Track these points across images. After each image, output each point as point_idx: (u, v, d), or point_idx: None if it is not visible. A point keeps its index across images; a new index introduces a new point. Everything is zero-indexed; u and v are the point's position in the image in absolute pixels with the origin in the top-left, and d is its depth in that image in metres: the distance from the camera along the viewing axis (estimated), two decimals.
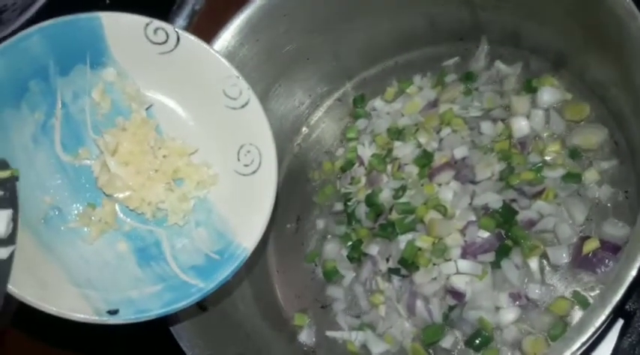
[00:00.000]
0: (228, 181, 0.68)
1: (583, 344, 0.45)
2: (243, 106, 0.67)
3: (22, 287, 0.58)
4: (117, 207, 0.66)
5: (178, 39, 0.65)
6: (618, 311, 0.47)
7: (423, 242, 0.70)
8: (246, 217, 0.66)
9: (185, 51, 0.66)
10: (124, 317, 0.61)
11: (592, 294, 0.64)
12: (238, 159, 0.67)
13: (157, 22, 0.65)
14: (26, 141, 0.63)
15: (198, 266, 0.65)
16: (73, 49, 0.64)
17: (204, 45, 0.67)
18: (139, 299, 0.62)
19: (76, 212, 0.65)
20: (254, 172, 0.67)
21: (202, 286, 0.63)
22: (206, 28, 0.82)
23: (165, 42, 0.65)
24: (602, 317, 0.45)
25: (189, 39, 0.66)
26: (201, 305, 0.71)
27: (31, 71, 0.62)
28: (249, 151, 0.67)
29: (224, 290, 0.76)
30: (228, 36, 0.78)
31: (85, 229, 0.65)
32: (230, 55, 0.77)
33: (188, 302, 0.63)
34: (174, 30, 0.65)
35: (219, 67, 0.67)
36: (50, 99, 0.64)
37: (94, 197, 0.66)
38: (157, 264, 0.65)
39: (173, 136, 0.68)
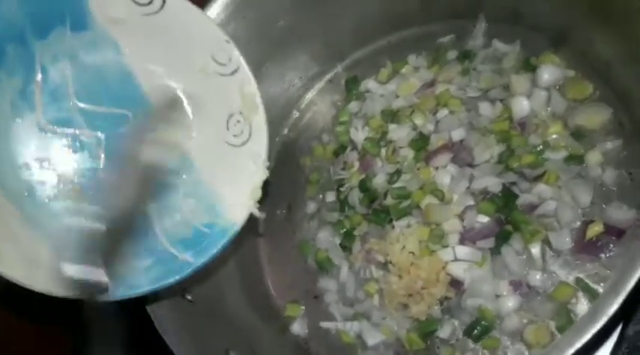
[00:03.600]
0: (218, 151, 0.65)
1: (594, 334, 0.42)
2: (232, 73, 0.64)
3: (10, 266, 0.56)
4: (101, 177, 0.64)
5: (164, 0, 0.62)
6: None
7: (422, 234, 0.68)
8: (236, 190, 0.64)
9: (171, 13, 0.63)
10: (114, 295, 0.59)
11: (596, 280, 0.62)
12: (227, 129, 0.65)
13: None
14: (4, 109, 0.60)
15: (187, 239, 0.63)
16: (51, 10, 0.60)
17: (191, 6, 0.63)
18: (128, 275, 0.60)
19: (62, 182, 0.62)
20: (244, 143, 0.64)
21: (191, 261, 0.62)
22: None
23: (150, 3, 0.62)
24: (615, 306, 0.42)
25: (179, 2, 0.63)
26: (185, 295, 0.69)
27: (7, 35, 0.59)
28: (238, 121, 0.64)
29: (211, 281, 0.73)
30: (213, 13, 0.74)
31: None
32: None
33: (177, 278, 0.61)
34: None
35: (207, 30, 0.64)
36: (28, 64, 0.61)
37: (81, 165, 0.63)
38: (146, 236, 0.63)
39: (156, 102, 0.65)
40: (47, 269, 0.57)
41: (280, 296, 0.80)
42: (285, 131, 0.89)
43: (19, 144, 0.61)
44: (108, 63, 0.64)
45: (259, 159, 0.64)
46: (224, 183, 0.64)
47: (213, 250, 0.62)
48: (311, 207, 0.82)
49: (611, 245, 0.61)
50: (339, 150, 0.82)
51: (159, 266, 0.61)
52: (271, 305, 0.80)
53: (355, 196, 0.77)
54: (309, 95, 0.89)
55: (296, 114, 0.89)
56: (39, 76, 0.62)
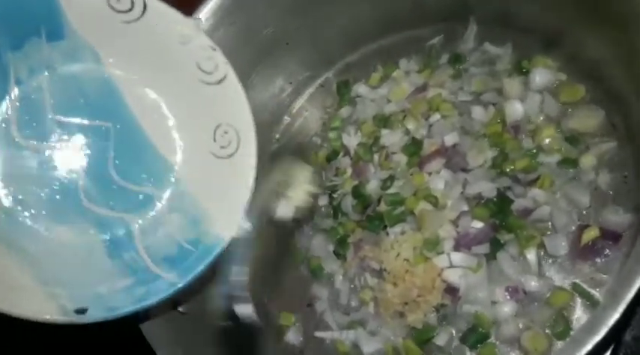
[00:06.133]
0: (204, 164, 0.63)
1: (594, 345, 0.42)
2: (219, 82, 0.62)
3: None
4: (81, 194, 0.61)
5: (145, 6, 0.60)
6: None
7: (416, 241, 0.67)
8: (223, 204, 0.61)
9: (153, 20, 0.60)
10: (93, 316, 0.57)
11: (592, 285, 0.61)
12: (214, 140, 0.62)
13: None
14: None
15: (171, 257, 0.61)
16: (25, 20, 0.58)
17: (175, 13, 0.61)
18: (108, 295, 0.58)
19: (39, 200, 0.60)
20: (231, 155, 0.62)
21: (175, 280, 0.59)
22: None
23: (130, 10, 0.60)
24: (616, 316, 0.41)
25: (158, 5, 0.60)
26: (177, 307, 0.67)
27: None
28: (226, 132, 0.62)
29: (204, 291, 0.72)
30: (201, 19, 0.73)
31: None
32: None
33: (160, 298, 0.59)
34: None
35: (192, 38, 0.61)
36: (2, 77, 0.58)
37: (59, 184, 0.61)
38: (128, 254, 0.61)
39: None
40: (31, 292, 0.55)
41: (274, 305, 0.79)
42: (277, 137, 0.88)
43: None
44: (88, 73, 0.62)
45: (248, 171, 0.61)
46: (210, 197, 0.62)
47: (198, 268, 0.59)
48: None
49: (607, 249, 0.61)
50: (332, 156, 0.82)
51: (140, 286, 0.59)
52: (265, 314, 0.79)
53: (348, 203, 0.76)
54: (300, 100, 0.88)
55: (287, 119, 0.88)
56: (13, 89, 0.59)
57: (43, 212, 0.60)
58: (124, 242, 0.61)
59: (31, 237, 0.59)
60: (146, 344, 0.64)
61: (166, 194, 0.63)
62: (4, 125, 0.59)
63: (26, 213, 0.60)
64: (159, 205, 0.63)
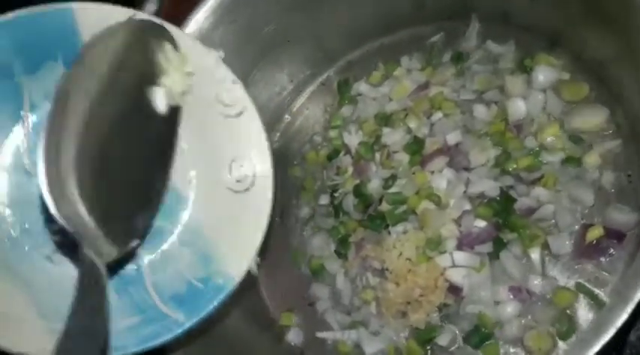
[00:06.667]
0: (218, 198, 0.60)
1: (603, 346, 0.41)
2: (238, 115, 0.59)
3: None
4: None
5: None
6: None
7: (419, 240, 0.66)
8: (236, 241, 0.58)
9: None
10: None
11: (596, 285, 0.61)
12: (230, 174, 0.60)
13: (140, 15, 0.56)
14: None
15: (180, 295, 0.58)
16: (42, 44, 0.56)
17: (196, 42, 0.59)
18: (113, 333, 0.55)
19: (45, 230, 0.57)
20: (247, 190, 0.59)
21: (183, 320, 0.56)
22: (177, 9, 0.76)
23: None
24: (624, 317, 0.41)
25: (178, 34, 0.58)
26: None
27: None
28: (242, 165, 0.59)
29: None
30: (201, 17, 0.72)
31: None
32: (204, 39, 0.70)
33: (167, 339, 0.56)
34: (161, 23, 0.57)
35: (212, 69, 0.59)
36: (15, 102, 0.57)
37: None
38: (136, 290, 0.58)
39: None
40: (32, 327, 0.53)
41: (275, 305, 0.78)
42: (277, 136, 0.87)
43: (1, 187, 0.56)
44: None
45: (263, 207, 0.58)
46: (223, 233, 0.59)
47: (208, 308, 0.57)
48: (305, 213, 0.81)
49: (611, 249, 0.61)
50: (333, 155, 0.81)
51: (147, 325, 0.56)
52: (266, 313, 0.78)
53: (350, 202, 0.75)
54: (301, 99, 0.87)
55: (288, 118, 0.88)
56: (27, 114, 0.57)
57: (49, 242, 0.58)
58: (131, 277, 0.59)
59: (36, 268, 0.57)
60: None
61: (178, 228, 0.61)
62: (16, 151, 0.57)
63: (32, 243, 0.57)
64: (170, 239, 0.60)
